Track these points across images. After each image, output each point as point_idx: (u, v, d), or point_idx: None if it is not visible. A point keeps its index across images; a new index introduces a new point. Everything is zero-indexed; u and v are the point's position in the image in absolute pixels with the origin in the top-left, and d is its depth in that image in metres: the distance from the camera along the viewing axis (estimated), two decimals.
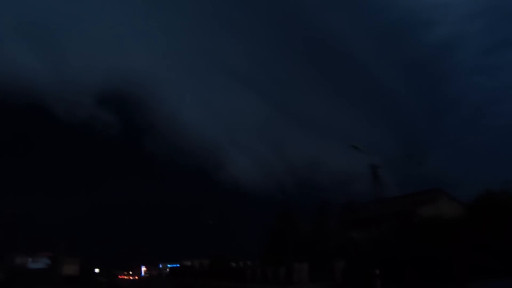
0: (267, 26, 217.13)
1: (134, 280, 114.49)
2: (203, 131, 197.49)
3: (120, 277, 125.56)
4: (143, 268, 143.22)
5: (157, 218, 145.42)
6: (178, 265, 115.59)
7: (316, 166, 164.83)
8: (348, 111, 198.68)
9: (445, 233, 24.03)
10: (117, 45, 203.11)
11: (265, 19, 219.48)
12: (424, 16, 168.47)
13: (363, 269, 26.23)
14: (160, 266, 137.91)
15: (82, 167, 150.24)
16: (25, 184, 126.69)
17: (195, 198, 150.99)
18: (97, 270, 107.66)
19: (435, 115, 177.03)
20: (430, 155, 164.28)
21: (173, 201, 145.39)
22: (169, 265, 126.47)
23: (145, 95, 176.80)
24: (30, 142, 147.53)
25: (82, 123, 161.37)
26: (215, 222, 73.12)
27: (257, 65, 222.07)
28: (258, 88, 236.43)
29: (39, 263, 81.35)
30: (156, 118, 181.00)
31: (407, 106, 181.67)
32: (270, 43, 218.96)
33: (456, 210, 31.11)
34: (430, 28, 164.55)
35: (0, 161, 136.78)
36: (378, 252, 26.52)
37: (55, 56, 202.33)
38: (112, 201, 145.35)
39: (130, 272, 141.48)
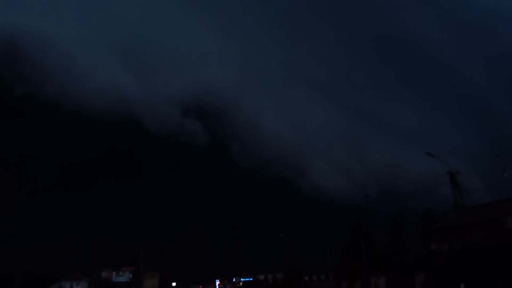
0: (337, 30, 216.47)
1: None
2: (283, 139, 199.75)
3: None
4: (217, 282, 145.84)
5: (233, 230, 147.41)
6: (251, 279, 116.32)
7: (397, 173, 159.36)
8: (430, 113, 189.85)
9: None
10: (199, 59, 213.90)
11: (334, 23, 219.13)
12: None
13: (446, 282, 24.73)
14: (234, 280, 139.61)
15: (172, 177, 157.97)
16: (119, 199, 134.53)
17: (274, 208, 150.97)
18: (173, 284, 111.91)
19: None
20: None
21: (252, 212, 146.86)
22: (242, 279, 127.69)
23: (227, 105, 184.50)
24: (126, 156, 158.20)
25: (170, 134, 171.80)
26: (288, 235, 72.81)
27: (332, 71, 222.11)
28: (335, 95, 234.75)
29: (123, 277, 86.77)
30: (238, 127, 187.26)
31: (496, 107, 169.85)
32: (343, 47, 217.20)
33: None
34: None
35: (102, 177, 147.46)
36: (462, 265, 24.86)
37: (145, 73, 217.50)
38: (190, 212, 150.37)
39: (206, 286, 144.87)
